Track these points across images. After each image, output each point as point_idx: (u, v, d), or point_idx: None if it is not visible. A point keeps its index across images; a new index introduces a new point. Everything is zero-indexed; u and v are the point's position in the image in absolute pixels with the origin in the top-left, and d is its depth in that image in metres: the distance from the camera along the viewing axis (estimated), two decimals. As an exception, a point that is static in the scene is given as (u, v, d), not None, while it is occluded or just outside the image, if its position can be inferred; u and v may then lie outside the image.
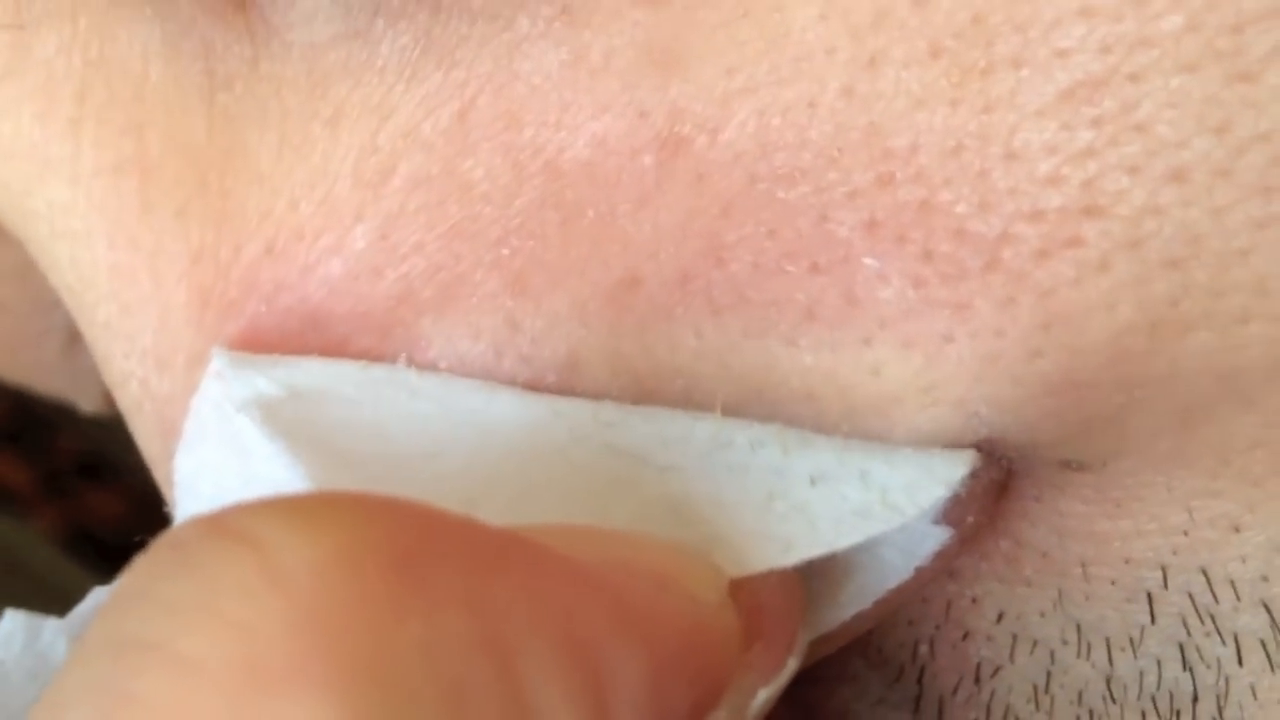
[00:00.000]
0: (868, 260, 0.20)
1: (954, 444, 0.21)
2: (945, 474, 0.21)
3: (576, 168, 0.21)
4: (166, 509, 0.27)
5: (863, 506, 0.21)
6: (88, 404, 0.33)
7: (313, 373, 0.22)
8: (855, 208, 0.20)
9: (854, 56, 0.20)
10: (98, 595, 0.25)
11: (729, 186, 0.21)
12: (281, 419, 0.22)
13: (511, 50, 0.21)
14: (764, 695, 0.21)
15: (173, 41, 0.23)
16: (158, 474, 0.25)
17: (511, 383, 0.22)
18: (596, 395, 0.22)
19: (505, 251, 0.22)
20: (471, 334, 0.22)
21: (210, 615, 0.16)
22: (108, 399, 0.32)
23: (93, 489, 0.79)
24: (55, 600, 0.28)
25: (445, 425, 0.22)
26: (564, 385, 0.22)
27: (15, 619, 0.26)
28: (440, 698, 0.16)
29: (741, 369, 0.21)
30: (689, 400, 0.22)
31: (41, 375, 0.32)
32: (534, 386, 0.22)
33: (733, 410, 0.22)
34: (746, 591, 0.21)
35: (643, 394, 0.22)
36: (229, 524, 0.17)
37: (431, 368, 0.22)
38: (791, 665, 0.22)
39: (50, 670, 0.26)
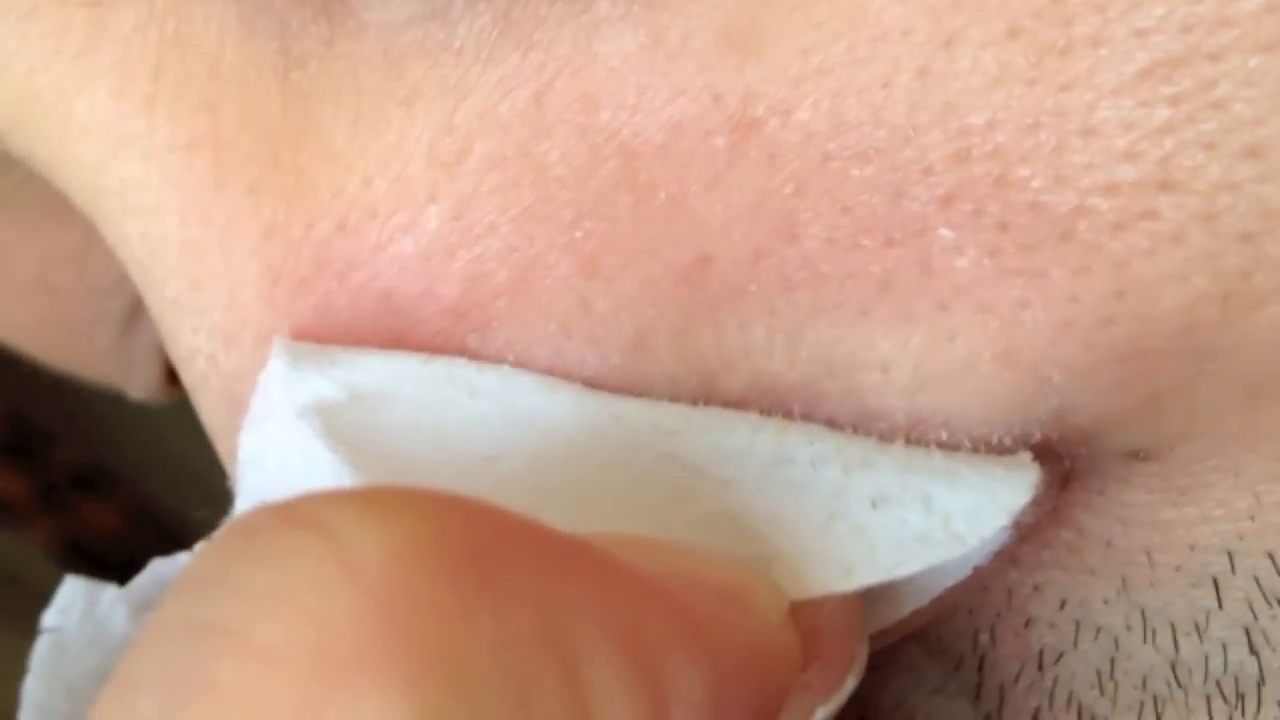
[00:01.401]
0: (943, 231, 0.21)
1: (1026, 413, 0.21)
2: (1008, 500, 0.21)
3: (650, 150, 0.21)
4: (163, 521, 0.27)
5: (924, 533, 0.21)
6: (138, 391, 0.33)
7: (373, 371, 0.22)
8: (931, 183, 0.21)
9: (931, 37, 0.20)
10: (156, 567, 0.25)
11: (802, 166, 0.21)
12: (341, 425, 0.22)
13: (590, 32, 0.21)
14: (821, 714, 0.21)
15: (248, 20, 0.23)
16: (220, 448, 0.25)
17: (580, 364, 0.22)
18: (662, 376, 0.22)
19: (578, 234, 0.22)
20: (543, 315, 0.22)
21: (285, 603, 0.16)
22: (158, 386, 0.32)
23: (89, 501, 0.78)
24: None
25: (504, 426, 0.22)
26: (629, 367, 0.22)
27: (75, 586, 0.26)
28: (506, 694, 0.17)
29: (814, 343, 0.21)
30: (757, 381, 0.22)
31: (93, 362, 0.32)
32: (600, 369, 0.22)
33: (802, 387, 0.22)
34: (806, 611, 0.21)
35: (708, 375, 0.22)
36: (303, 513, 0.17)
37: (501, 351, 0.22)
38: (850, 684, 0.22)
39: (108, 638, 0.26)
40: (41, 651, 0.26)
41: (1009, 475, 0.21)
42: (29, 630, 0.27)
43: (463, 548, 0.17)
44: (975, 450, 0.22)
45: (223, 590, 0.17)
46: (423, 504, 0.17)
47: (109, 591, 0.26)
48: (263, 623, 0.16)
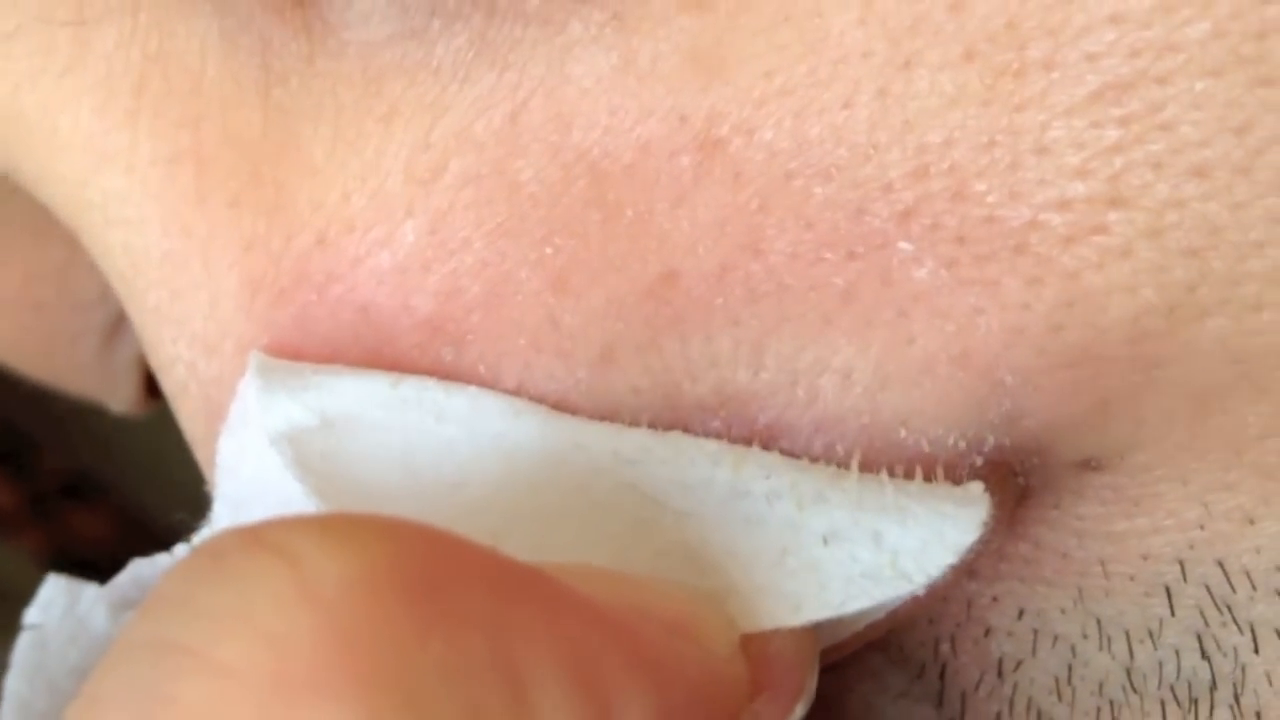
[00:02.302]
0: (903, 245, 0.21)
1: (981, 414, 0.22)
2: (956, 539, 0.22)
3: (618, 169, 0.22)
4: (151, 529, 0.27)
5: (873, 570, 0.22)
6: (119, 405, 0.33)
7: (343, 395, 0.23)
8: (891, 199, 0.21)
9: (890, 59, 0.21)
10: (137, 567, 0.26)
11: (766, 184, 0.21)
12: (311, 453, 0.23)
13: (563, 54, 0.22)
14: None
15: (230, 37, 0.23)
16: (200, 455, 0.26)
17: (548, 377, 0.23)
18: (628, 388, 0.23)
19: (548, 250, 0.22)
20: (514, 330, 0.23)
21: (245, 624, 0.17)
22: (137, 399, 0.32)
23: (77, 510, 0.78)
24: None
25: (471, 451, 0.22)
26: (597, 379, 0.23)
27: (56, 584, 0.26)
28: (456, 716, 0.17)
29: (777, 352, 0.22)
30: (721, 390, 0.22)
31: (75, 375, 0.33)
32: (567, 381, 0.23)
33: (766, 395, 0.22)
34: (757, 642, 0.22)
35: (674, 386, 0.22)
36: (267, 537, 0.18)
37: (474, 364, 0.23)
38: (799, 711, 0.22)
39: (88, 635, 0.26)
40: (23, 648, 0.26)
41: (958, 513, 0.22)
42: (15, 637, 0.27)
43: (418, 573, 0.18)
44: (932, 458, 0.22)
45: (187, 611, 0.18)
46: (380, 530, 0.18)
47: (89, 590, 0.27)
48: (223, 643, 0.17)
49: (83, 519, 0.78)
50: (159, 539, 0.27)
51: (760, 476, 0.22)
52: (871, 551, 0.22)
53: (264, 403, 0.23)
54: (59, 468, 0.81)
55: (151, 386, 0.33)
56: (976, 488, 0.22)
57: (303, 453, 0.23)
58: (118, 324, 0.32)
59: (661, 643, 0.20)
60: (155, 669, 0.17)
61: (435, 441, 0.23)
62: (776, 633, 0.22)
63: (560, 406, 0.23)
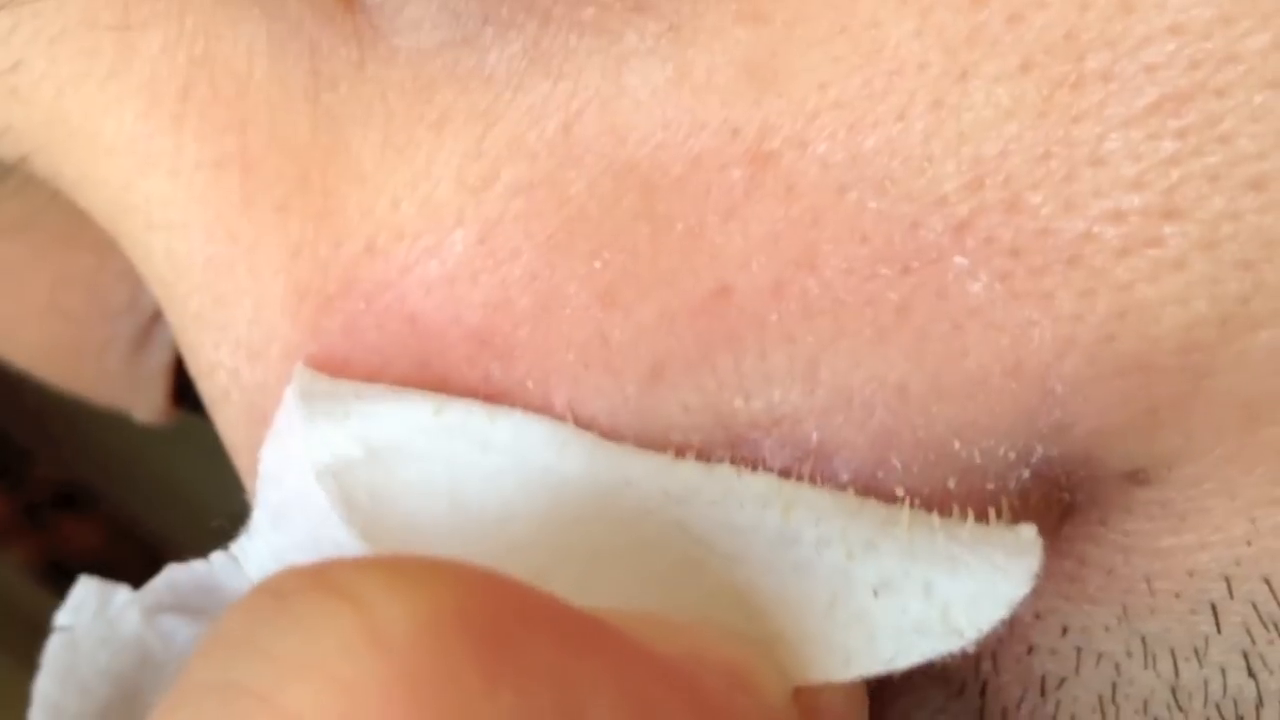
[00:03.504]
0: (958, 259, 0.21)
1: (1030, 425, 0.22)
2: (1008, 592, 0.22)
3: (668, 182, 0.22)
4: (144, 539, 0.27)
5: (923, 623, 0.22)
6: (144, 414, 0.33)
7: (386, 422, 0.23)
8: (945, 213, 0.21)
9: (946, 70, 0.21)
10: (171, 572, 0.26)
11: (820, 198, 0.21)
12: (357, 486, 0.23)
13: (619, 65, 0.22)
14: None
15: (279, 41, 0.23)
16: (240, 462, 0.26)
17: (596, 393, 0.22)
18: (678, 405, 0.22)
19: (597, 264, 0.22)
20: (562, 344, 0.22)
21: (314, 670, 0.17)
22: (163, 409, 0.32)
23: (69, 520, 0.78)
24: (31, 631, 0.28)
25: (517, 483, 0.22)
26: (646, 396, 0.22)
27: (88, 585, 0.26)
28: None
29: (833, 368, 0.22)
30: (774, 409, 0.22)
31: (102, 384, 0.32)
32: (616, 398, 0.22)
33: (820, 412, 0.22)
34: (807, 694, 0.22)
35: (726, 404, 0.22)
36: (334, 580, 0.18)
37: (521, 379, 0.23)
38: None
39: (118, 638, 0.26)
40: (54, 649, 0.26)
41: (1010, 564, 0.22)
42: (8, 647, 0.27)
43: (486, 622, 0.18)
44: (983, 470, 0.22)
45: (252, 653, 0.17)
46: (447, 576, 0.18)
47: (121, 592, 0.26)
48: (292, 687, 0.17)
49: (75, 529, 0.77)
50: (151, 549, 0.26)
51: (810, 522, 0.22)
52: (922, 603, 0.22)
53: (307, 433, 0.23)
54: (52, 478, 0.81)
55: (176, 397, 0.32)
56: (1029, 532, 0.22)
57: (347, 487, 0.23)
58: (146, 333, 0.31)
59: (722, 694, 0.20)
60: (221, 713, 0.17)
61: (480, 473, 0.22)
62: (828, 685, 0.22)
63: (609, 424, 0.23)
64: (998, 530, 0.22)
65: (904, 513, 0.22)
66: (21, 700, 0.28)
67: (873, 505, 0.22)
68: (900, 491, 0.22)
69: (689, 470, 0.22)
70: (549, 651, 0.18)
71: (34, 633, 0.27)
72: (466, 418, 0.22)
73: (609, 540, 0.22)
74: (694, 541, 0.22)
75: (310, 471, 0.23)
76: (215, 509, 0.26)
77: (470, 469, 0.22)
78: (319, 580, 0.18)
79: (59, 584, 0.27)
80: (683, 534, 0.22)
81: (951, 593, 0.21)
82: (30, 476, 0.80)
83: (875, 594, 0.22)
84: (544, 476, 0.22)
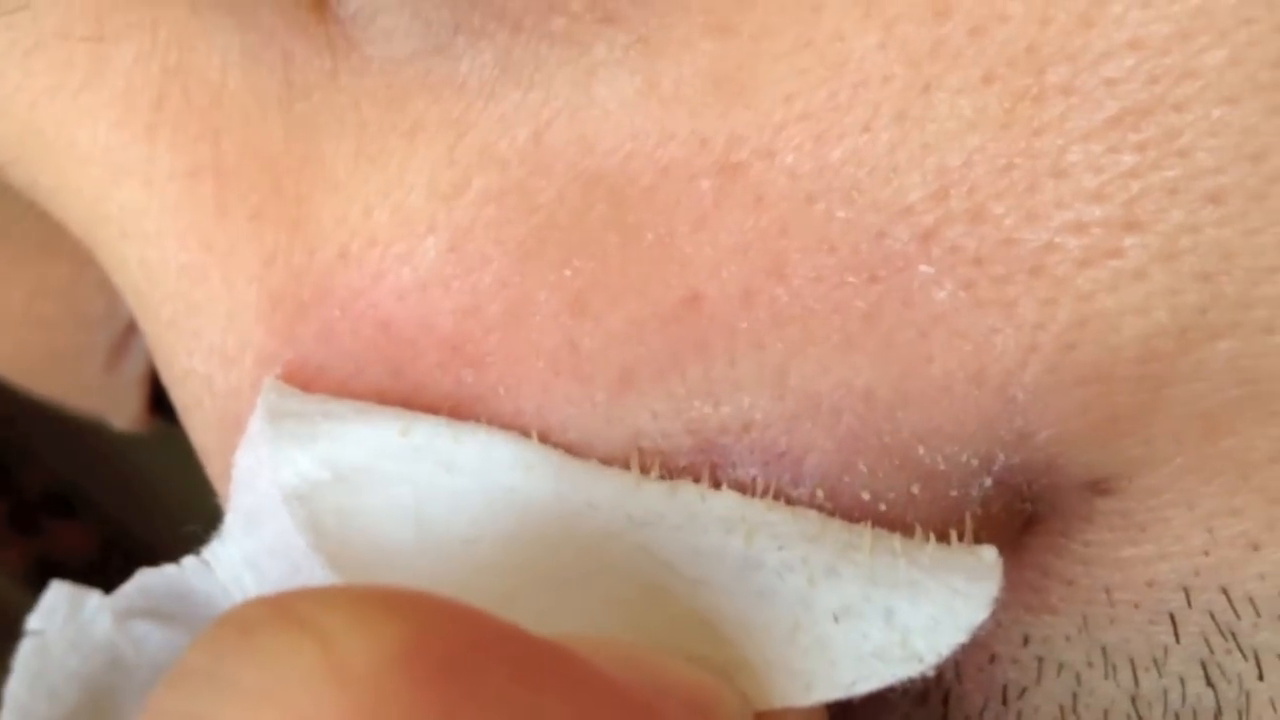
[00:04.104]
0: (923, 267, 0.22)
1: (992, 432, 0.22)
2: (967, 617, 0.22)
3: (637, 192, 0.22)
4: (133, 545, 0.27)
5: (883, 649, 0.22)
6: (122, 422, 0.33)
7: (354, 445, 0.23)
8: (911, 222, 0.21)
9: (910, 83, 0.21)
10: (144, 577, 0.26)
11: (789, 207, 0.22)
12: (324, 510, 0.23)
13: (588, 75, 0.22)
14: None
15: (252, 52, 0.23)
16: (212, 468, 0.26)
17: (566, 400, 0.23)
18: (647, 412, 0.23)
19: (567, 272, 0.22)
20: (532, 352, 0.23)
21: (275, 702, 0.17)
22: (141, 418, 0.32)
23: (59, 524, 0.78)
24: (18, 636, 0.28)
25: (483, 504, 0.22)
26: (615, 404, 0.23)
27: (59, 590, 0.26)
28: None
29: (801, 374, 0.22)
30: (742, 415, 0.22)
31: (79, 392, 0.32)
32: (585, 405, 0.23)
33: (789, 417, 0.22)
34: (770, 716, 0.22)
35: (695, 411, 0.22)
36: (296, 612, 0.18)
37: (493, 387, 0.23)
38: None
39: (89, 643, 0.26)
40: (25, 654, 0.26)
41: (970, 589, 0.22)
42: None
43: (448, 654, 0.18)
44: (946, 476, 0.22)
45: (215, 685, 0.18)
46: (411, 609, 0.18)
47: (93, 598, 0.26)
48: (254, 719, 0.17)
49: (65, 532, 0.77)
50: (140, 555, 0.26)
51: (773, 548, 0.22)
52: (882, 630, 0.22)
53: (274, 456, 0.23)
54: (41, 482, 0.80)
55: (153, 404, 0.33)
56: (990, 555, 0.22)
57: (314, 511, 0.23)
58: (123, 342, 0.31)
59: None
60: None
61: (446, 494, 0.22)
62: (788, 710, 0.22)
63: (578, 431, 0.23)
64: (959, 553, 0.22)
65: (866, 536, 0.22)
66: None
67: (835, 529, 0.22)
68: (867, 496, 0.22)
69: (653, 494, 0.22)
70: (509, 683, 0.18)
71: (20, 637, 0.27)
72: (432, 438, 0.23)
73: (574, 563, 0.22)
74: (659, 565, 0.22)
75: (278, 494, 0.23)
76: (203, 515, 0.26)
77: (436, 490, 0.22)
78: (282, 612, 0.18)
79: (44, 588, 0.27)
80: (648, 558, 0.22)
81: (911, 619, 0.22)
82: (19, 482, 0.80)
83: (836, 620, 0.22)
84: (509, 498, 0.22)
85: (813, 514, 0.22)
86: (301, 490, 0.23)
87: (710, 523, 0.22)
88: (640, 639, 0.22)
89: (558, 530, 0.22)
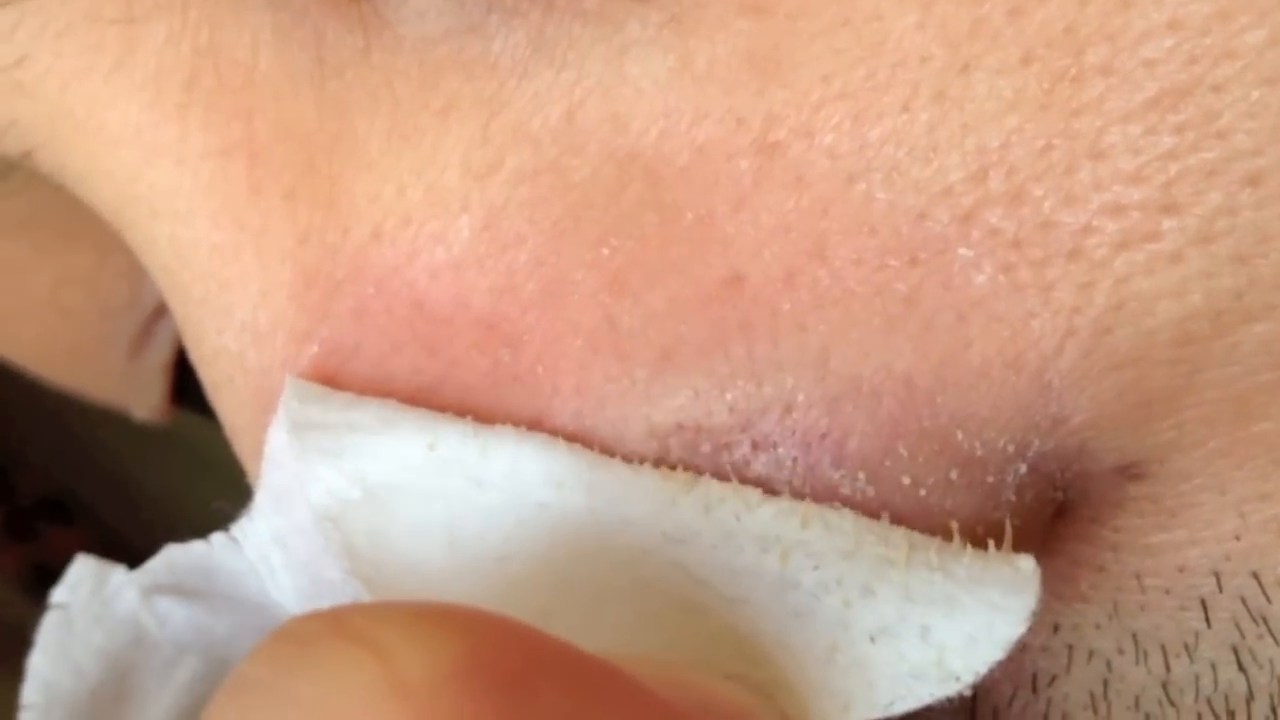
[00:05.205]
0: (962, 250, 0.21)
1: (1029, 417, 0.22)
2: (1004, 633, 0.22)
3: (674, 172, 0.22)
4: (131, 551, 0.27)
5: (920, 669, 0.22)
6: (143, 412, 0.33)
7: (381, 460, 0.23)
8: (950, 203, 0.21)
9: (948, 63, 0.21)
10: (170, 552, 0.26)
11: (829, 188, 0.22)
12: (356, 532, 0.23)
13: (621, 54, 0.22)
14: None
15: (284, 31, 0.23)
16: (240, 446, 0.26)
17: (605, 379, 0.22)
18: (688, 390, 0.22)
19: (605, 251, 0.22)
20: (570, 330, 0.23)
21: (333, 716, 0.17)
22: (163, 408, 0.32)
23: (55, 531, 0.77)
24: (16, 641, 0.28)
25: (515, 521, 0.22)
26: (654, 382, 0.22)
27: (85, 564, 0.26)
28: None
29: (843, 357, 0.22)
30: (783, 397, 0.22)
31: (101, 382, 0.32)
32: (625, 383, 0.22)
33: (830, 400, 0.22)
34: None
35: (735, 391, 0.22)
36: (353, 626, 0.18)
37: (531, 365, 0.23)
38: None
39: (114, 617, 0.26)
40: (48, 626, 0.26)
41: (1006, 603, 0.22)
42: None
43: (504, 669, 0.18)
44: (983, 462, 0.22)
45: (275, 698, 0.18)
46: (468, 624, 0.18)
47: (118, 572, 0.26)
48: None
49: (59, 539, 0.77)
50: (136, 561, 0.26)
51: (808, 567, 0.22)
52: (919, 649, 0.22)
53: (302, 472, 0.23)
54: (36, 488, 0.80)
55: (174, 395, 0.33)
56: (1028, 564, 0.22)
57: (347, 534, 0.23)
58: (146, 331, 0.31)
59: None
60: None
61: (477, 511, 0.22)
62: None
63: (617, 408, 0.23)
64: (995, 563, 0.22)
65: (902, 549, 0.22)
66: (9, 707, 0.28)
67: (870, 542, 0.22)
68: (907, 481, 0.22)
69: (688, 512, 0.22)
70: (565, 699, 0.18)
71: (20, 642, 0.27)
72: (460, 452, 0.22)
73: (610, 580, 0.22)
74: (695, 583, 0.22)
75: (309, 512, 0.23)
76: (200, 521, 0.26)
77: (467, 507, 0.22)
78: (339, 627, 0.18)
79: (44, 594, 0.27)
80: (684, 575, 0.22)
81: (948, 636, 0.22)
82: (16, 487, 0.80)
83: (873, 640, 0.22)
84: (541, 514, 0.22)
85: (848, 523, 0.22)
86: (333, 511, 0.23)
87: (746, 541, 0.22)
88: (678, 657, 0.22)
89: (592, 546, 0.22)
